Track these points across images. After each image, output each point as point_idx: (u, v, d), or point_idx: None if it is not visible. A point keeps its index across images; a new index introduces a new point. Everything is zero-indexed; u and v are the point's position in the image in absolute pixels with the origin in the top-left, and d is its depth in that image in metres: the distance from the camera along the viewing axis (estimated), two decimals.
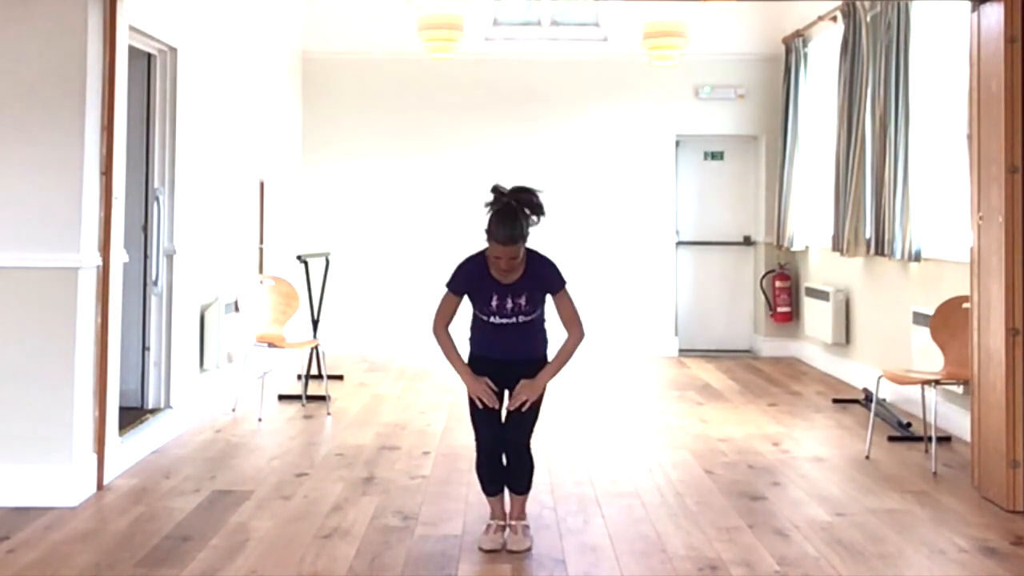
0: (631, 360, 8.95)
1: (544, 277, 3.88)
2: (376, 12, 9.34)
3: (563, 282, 3.89)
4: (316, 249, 8.42)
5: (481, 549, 3.84)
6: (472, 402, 3.90)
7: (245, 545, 3.89)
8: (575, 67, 9.48)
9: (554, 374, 3.89)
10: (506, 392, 3.91)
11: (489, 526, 3.94)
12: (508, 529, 3.93)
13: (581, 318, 3.93)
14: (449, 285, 3.92)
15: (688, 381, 7.90)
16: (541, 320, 3.96)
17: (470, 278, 3.88)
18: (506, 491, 3.99)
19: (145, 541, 3.92)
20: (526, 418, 3.88)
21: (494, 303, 3.83)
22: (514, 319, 3.84)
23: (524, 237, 3.76)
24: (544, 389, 3.88)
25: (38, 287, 4.45)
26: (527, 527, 3.97)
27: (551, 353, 3.94)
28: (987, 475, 4.59)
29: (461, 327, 3.95)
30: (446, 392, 7.24)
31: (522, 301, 3.83)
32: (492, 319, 3.86)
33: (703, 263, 9.62)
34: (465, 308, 3.95)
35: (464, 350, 3.95)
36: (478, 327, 3.94)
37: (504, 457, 3.92)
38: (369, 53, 9.45)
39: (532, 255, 3.87)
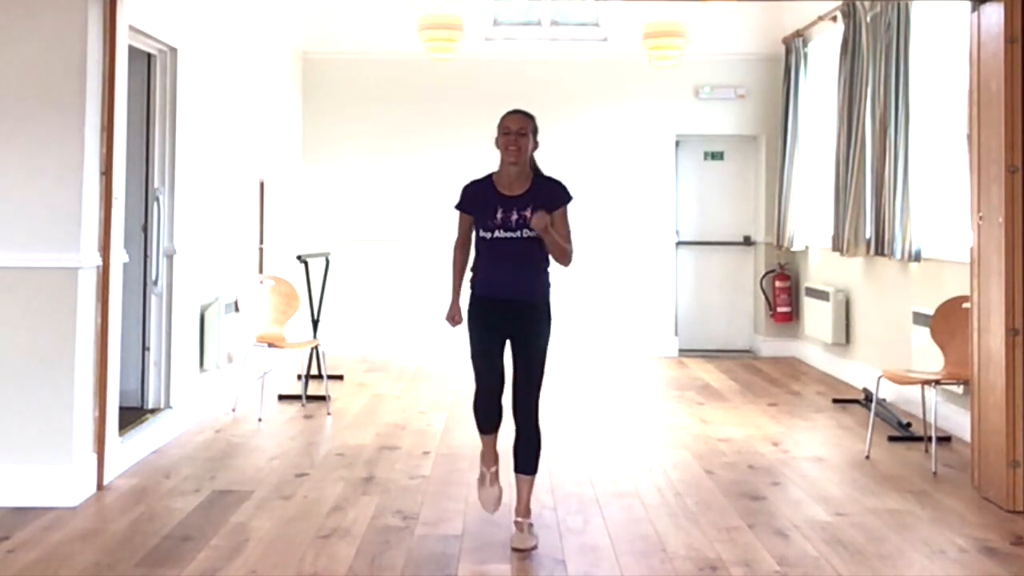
0: (631, 360, 8.94)
1: (550, 190, 3.98)
2: (376, 12, 9.35)
3: (569, 197, 4.00)
4: (316, 249, 8.42)
5: (484, 509, 4.03)
6: (473, 344, 3.96)
7: (245, 545, 3.89)
8: (575, 67, 9.48)
9: (551, 236, 3.85)
10: (507, 343, 3.96)
11: (483, 476, 4.03)
12: (514, 527, 3.96)
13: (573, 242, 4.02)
14: (457, 205, 4.01)
15: (688, 381, 7.90)
16: (544, 250, 3.95)
17: (475, 193, 3.98)
18: (511, 483, 4.04)
19: (145, 541, 3.92)
20: (532, 374, 3.94)
21: (499, 215, 3.89)
22: (518, 233, 3.88)
23: (532, 120, 3.98)
24: (545, 356, 3.96)
25: (38, 287, 4.45)
26: (532, 525, 3.99)
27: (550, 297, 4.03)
28: (987, 475, 4.59)
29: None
30: (446, 392, 7.25)
31: (527, 213, 3.88)
32: (496, 233, 3.89)
33: (703, 263, 9.62)
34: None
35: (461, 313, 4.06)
36: (481, 257, 3.97)
37: (515, 430, 3.97)
38: (369, 53, 9.45)
39: (539, 173, 4.01)
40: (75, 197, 4.49)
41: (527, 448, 3.98)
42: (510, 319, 3.93)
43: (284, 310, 6.78)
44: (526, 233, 3.89)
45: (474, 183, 4.02)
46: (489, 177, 4.02)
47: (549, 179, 4.02)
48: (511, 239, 3.89)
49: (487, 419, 4.00)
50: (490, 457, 4.04)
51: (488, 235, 3.91)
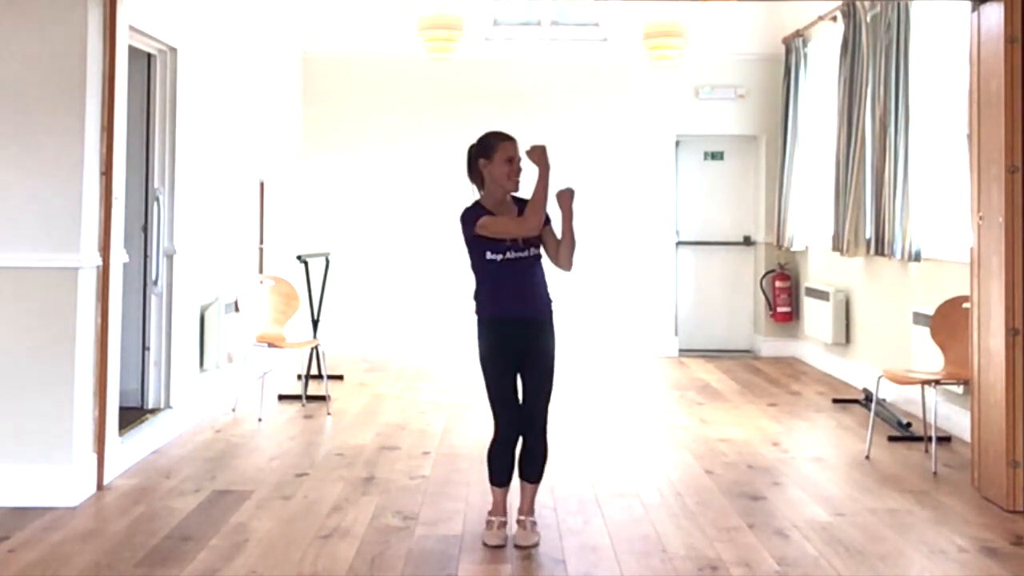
0: (631, 360, 8.94)
1: None
2: (376, 12, 9.34)
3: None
4: (316, 249, 8.42)
5: (485, 545, 3.87)
6: (490, 379, 3.96)
7: (245, 545, 3.89)
8: (575, 67, 9.48)
9: (571, 216, 3.96)
10: (518, 372, 3.97)
11: (491, 522, 3.96)
12: (517, 525, 3.96)
13: None
14: (474, 226, 3.92)
15: (688, 381, 7.90)
16: (542, 266, 4.03)
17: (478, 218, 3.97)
18: (513, 484, 4.02)
19: (145, 541, 3.92)
20: (544, 389, 3.97)
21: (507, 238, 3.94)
22: (527, 252, 3.95)
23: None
24: (553, 369, 4.01)
25: (38, 287, 4.45)
26: (535, 523, 4.00)
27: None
28: (987, 475, 4.59)
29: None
30: (446, 392, 7.24)
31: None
32: (508, 254, 3.92)
33: (703, 263, 9.61)
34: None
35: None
36: (489, 282, 3.97)
37: (521, 438, 3.98)
38: (369, 53, 9.45)
39: (518, 198, 4.05)
40: (75, 197, 4.49)
41: (533, 458, 4.00)
42: (525, 338, 3.95)
43: (284, 310, 6.78)
44: (533, 251, 3.96)
45: (471, 211, 3.97)
46: (477, 203, 4.00)
47: (522, 199, 4.03)
48: (522, 258, 3.94)
49: (501, 470, 4.00)
50: (500, 509, 4.01)
51: (499, 257, 3.92)
